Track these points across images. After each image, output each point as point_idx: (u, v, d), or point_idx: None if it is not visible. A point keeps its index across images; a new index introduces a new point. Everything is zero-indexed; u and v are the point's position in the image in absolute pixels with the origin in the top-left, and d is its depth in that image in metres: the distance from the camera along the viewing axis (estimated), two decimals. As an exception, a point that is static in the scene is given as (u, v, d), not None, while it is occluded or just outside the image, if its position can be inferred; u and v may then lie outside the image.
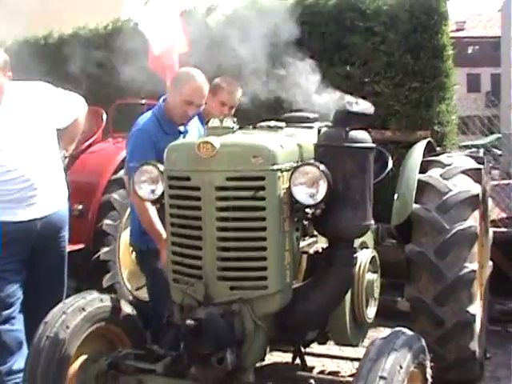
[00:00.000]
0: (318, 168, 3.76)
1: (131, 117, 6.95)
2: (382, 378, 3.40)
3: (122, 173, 6.58)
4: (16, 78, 5.35)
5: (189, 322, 3.63)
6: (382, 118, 7.74)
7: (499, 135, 22.51)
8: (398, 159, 6.21)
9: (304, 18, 8.11)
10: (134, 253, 6.86)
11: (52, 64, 10.13)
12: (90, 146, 7.11)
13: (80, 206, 6.43)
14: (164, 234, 4.42)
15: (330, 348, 6.03)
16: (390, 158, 5.74)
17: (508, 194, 8.60)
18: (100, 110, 7.45)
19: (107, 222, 6.50)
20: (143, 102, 7.23)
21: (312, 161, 3.90)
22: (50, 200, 5.27)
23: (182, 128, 4.98)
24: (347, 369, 5.95)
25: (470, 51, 47.36)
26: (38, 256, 5.31)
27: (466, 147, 10.69)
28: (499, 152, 21.20)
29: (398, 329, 3.80)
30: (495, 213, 8.04)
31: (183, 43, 7.41)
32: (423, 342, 3.86)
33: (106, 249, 6.50)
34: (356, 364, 5.74)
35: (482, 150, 6.72)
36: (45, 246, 5.31)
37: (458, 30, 36.57)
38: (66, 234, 5.49)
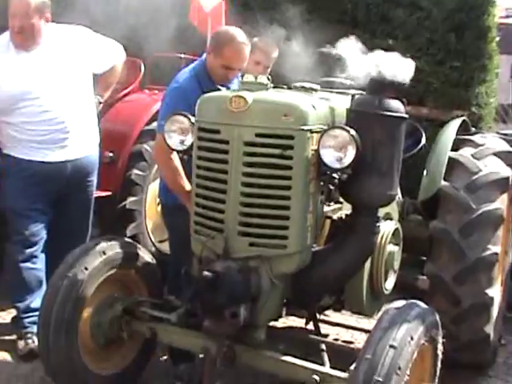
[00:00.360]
0: (348, 132, 3.75)
1: (168, 70, 6.99)
2: (391, 346, 3.41)
3: (154, 124, 6.60)
4: (56, 21, 5.38)
5: (206, 273, 3.66)
6: (419, 95, 7.65)
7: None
8: (432, 137, 6.15)
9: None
10: (159, 205, 6.93)
11: (92, 10, 10.13)
12: (125, 95, 7.08)
13: (111, 154, 6.42)
14: (188, 188, 4.41)
15: (347, 319, 6.06)
16: (424, 135, 5.70)
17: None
18: (138, 61, 7.42)
19: (136, 171, 6.50)
20: (181, 55, 7.19)
21: (343, 125, 3.89)
22: (81, 144, 5.31)
23: (223, 88, 4.73)
24: (361, 340, 5.96)
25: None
26: (65, 199, 5.37)
27: (505, 135, 10.55)
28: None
29: (412, 301, 3.80)
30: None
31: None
32: (437, 317, 3.86)
33: (132, 198, 6.50)
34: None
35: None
36: (73, 190, 5.37)
37: (507, 17, 35.96)
38: (94, 179, 5.55)
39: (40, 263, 5.31)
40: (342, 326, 5.94)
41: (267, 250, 3.81)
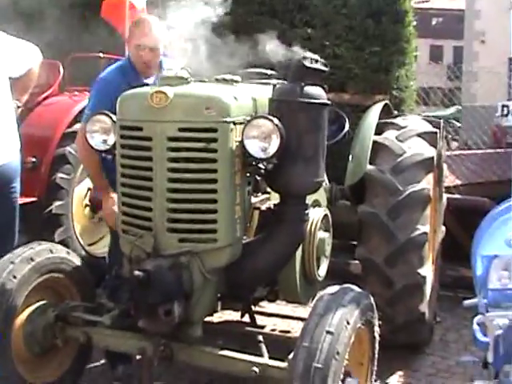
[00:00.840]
0: (272, 121, 3.74)
1: (88, 71, 6.90)
2: (328, 332, 3.41)
3: (76, 126, 6.50)
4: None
5: (137, 272, 3.60)
6: (340, 81, 7.74)
7: (460, 107, 22.75)
8: (355, 122, 6.20)
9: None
10: (87, 208, 6.84)
11: (8, 16, 9.96)
12: (45, 98, 6.97)
13: (33, 159, 6.31)
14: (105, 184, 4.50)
15: (282, 308, 6.07)
16: (347, 121, 5.73)
17: (464, 161, 8.67)
18: (57, 62, 7.30)
19: (61, 175, 6.40)
20: (101, 55, 7.10)
21: (266, 114, 3.87)
22: (1, 151, 5.19)
23: (150, 80, 4.77)
24: (298, 329, 5.96)
25: (434, 23, 47.45)
26: None
27: (427, 117, 10.75)
28: (459, 124, 21.41)
29: (346, 285, 3.80)
30: (451, 180, 8.11)
31: None
32: (371, 300, 3.88)
33: (58, 202, 6.40)
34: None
35: (442, 121, 6.74)
36: None
37: (423, 2, 36.56)
38: (17, 185, 5.42)
39: None
40: (278, 316, 5.93)
41: (197, 245, 3.78)
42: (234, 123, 3.77)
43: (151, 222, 3.81)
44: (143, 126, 3.79)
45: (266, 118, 3.76)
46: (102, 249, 6.78)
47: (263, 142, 3.75)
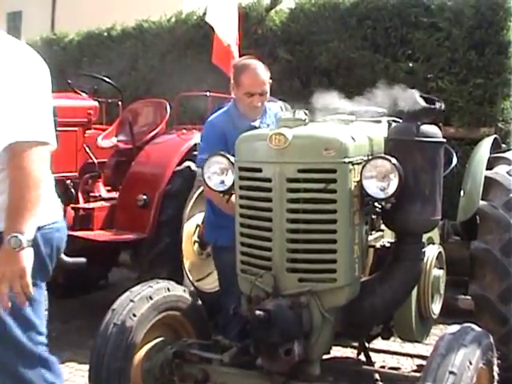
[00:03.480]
0: (390, 161, 3.75)
1: (195, 109, 7.06)
2: (451, 373, 3.38)
3: (185, 164, 6.64)
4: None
5: (258, 312, 3.64)
6: (445, 115, 7.69)
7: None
8: (462, 156, 6.16)
9: (368, 13, 8.13)
10: (195, 244, 6.94)
11: (115, 56, 10.30)
12: (153, 137, 7.15)
13: (144, 197, 6.48)
14: None
15: (390, 344, 6.02)
16: (455, 155, 5.70)
17: None
18: (164, 102, 7.49)
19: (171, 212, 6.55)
20: (207, 93, 7.23)
21: (383, 154, 3.89)
22: None
23: (256, 123, 4.87)
24: (407, 365, 5.93)
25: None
26: None
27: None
28: None
29: (466, 325, 3.77)
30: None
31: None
32: (491, 339, 3.84)
33: (168, 239, 6.53)
34: (416, 361, 5.77)
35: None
36: None
37: None
38: None
39: None
40: (387, 353, 5.88)
41: (317, 284, 3.80)
42: (353, 163, 3.80)
43: (271, 261, 3.86)
44: (263, 167, 3.85)
45: (385, 158, 3.78)
46: (210, 284, 6.88)
47: (382, 182, 3.77)
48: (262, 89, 4.82)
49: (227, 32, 7.89)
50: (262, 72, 4.84)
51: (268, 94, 4.91)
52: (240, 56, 8.16)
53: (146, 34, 10.44)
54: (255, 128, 4.62)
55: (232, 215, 4.27)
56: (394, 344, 6.09)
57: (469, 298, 5.32)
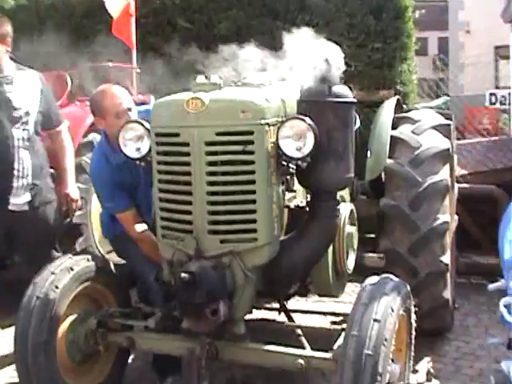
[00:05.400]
0: (305, 121, 3.85)
1: (97, 80, 6.97)
2: (375, 320, 3.54)
3: (91, 136, 6.58)
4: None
5: (183, 274, 3.70)
6: (344, 79, 7.82)
7: (447, 98, 22.82)
8: (363, 119, 6.31)
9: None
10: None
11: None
12: (55, 110, 7.04)
13: (52, 170, 6.39)
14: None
15: (302, 305, 6.16)
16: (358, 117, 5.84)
17: (469, 151, 8.79)
18: (63, 74, 7.34)
19: (78, 185, 6.41)
20: (110, 64, 7.15)
21: (297, 115, 3.98)
22: None
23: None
24: (321, 323, 6.07)
25: (417, 15, 47.53)
26: None
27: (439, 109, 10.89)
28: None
29: (385, 275, 3.93)
30: (457, 170, 8.23)
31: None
32: (408, 288, 4.01)
33: (78, 212, 6.45)
34: (329, 318, 5.93)
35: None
36: None
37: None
38: None
39: None
40: (302, 312, 6.01)
41: (238, 244, 3.89)
42: (269, 125, 3.88)
43: (192, 225, 3.91)
44: (180, 131, 3.88)
45: (300, 119, 3.88)
46: (119, 256, 6.87)
47: (298, 142, 3.87)
48: (127, 105, 4.68)
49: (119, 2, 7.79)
50: (120, 91, 4.75)
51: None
52: (137, 27, 8.15)
53: (41, 5, 10.24)
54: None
55: None
56: (306, 304, 6.24)
57: (376, 255, 5.47)
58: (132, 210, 4.65)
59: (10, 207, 5.16)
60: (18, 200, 5.18)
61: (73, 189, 5.48)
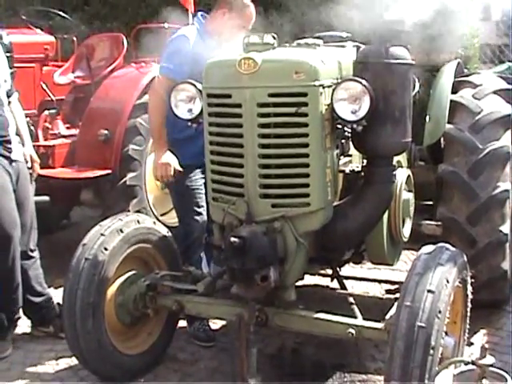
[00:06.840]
0: (361, 83, 3.72)
1: (153, 42, 6.91)
2: (429, 291, 3.40)
3: (146, 97, 6.53)
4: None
5: (233, 239, 3.62)
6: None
7: (511, 64, 22.29)
8: (422, 83, 6.14)
9: None
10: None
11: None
12: (111, 71, 6.99)
13: (105, 132, 6.36)
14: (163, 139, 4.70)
15: (356, 272, 6.06)
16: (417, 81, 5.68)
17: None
18: (120, 35, 7.33)
19: (133, 147, 6.41)
20: (166, 25, 7.08)
21: (354, 77, 3.85)
22: None
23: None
24: (376, 291, 5.98)
25: (479, -22, 46.62)
26: None
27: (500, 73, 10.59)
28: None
29: (441, 244, 3.79)
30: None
31: None
32: (465, 258, 3.87)
33: (132, 174, 6.42)
34: (384, 286, 5.82)
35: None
36: None
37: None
38: None
39: None
40: (356, 279, 5.92)
41: (290, 209, 3.79)
42: (323, 87, 3.76)
43: (243, 188, 3.83)
44: (232, 92, 3.79)
45: (356, 81, 3.75)
46: (174, 218, 6.82)
47: (353, 105, 3.74)
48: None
49: None
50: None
51: None
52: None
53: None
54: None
55: (190, 133, 4.46)
56: (361, 270, 6.14)
57: (433, 223, 5.33)
58: (173, 83, 4.37)
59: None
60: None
61: (33, 151, 5.28)
